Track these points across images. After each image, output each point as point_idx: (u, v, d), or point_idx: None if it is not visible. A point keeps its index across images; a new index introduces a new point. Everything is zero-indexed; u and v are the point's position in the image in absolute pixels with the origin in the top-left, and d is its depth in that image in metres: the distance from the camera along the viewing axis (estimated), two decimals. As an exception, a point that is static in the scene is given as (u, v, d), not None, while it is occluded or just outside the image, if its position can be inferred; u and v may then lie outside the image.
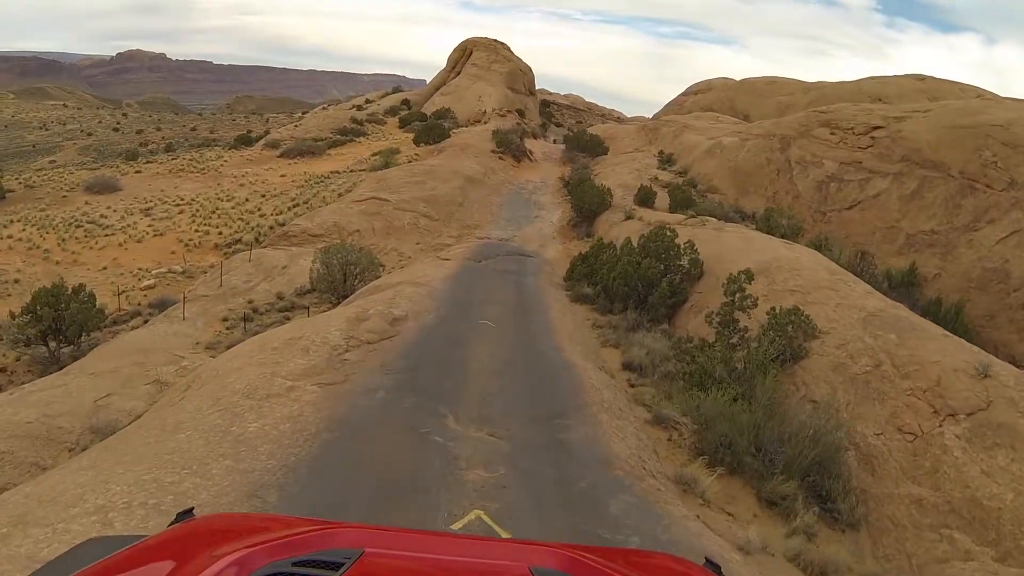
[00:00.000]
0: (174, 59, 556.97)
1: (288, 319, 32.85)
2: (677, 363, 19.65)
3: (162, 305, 38.71)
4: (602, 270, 28.40)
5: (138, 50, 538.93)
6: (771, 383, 17.17)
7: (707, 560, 3.07)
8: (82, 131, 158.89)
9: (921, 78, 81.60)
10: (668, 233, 28.24)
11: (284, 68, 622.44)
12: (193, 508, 3.15)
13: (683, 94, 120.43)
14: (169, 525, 2.83)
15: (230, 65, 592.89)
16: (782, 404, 16.90)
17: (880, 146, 45.36)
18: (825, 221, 45.54)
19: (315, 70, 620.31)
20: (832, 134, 50.45)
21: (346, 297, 29.27)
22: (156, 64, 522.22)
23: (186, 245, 52.70)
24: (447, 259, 31.81)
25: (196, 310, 35.49)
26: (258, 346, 13.80)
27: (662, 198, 52.13)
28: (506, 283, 27.50)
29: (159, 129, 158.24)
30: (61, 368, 28.36)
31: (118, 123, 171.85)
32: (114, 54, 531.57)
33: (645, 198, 50.69)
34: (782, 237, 35.00)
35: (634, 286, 27.05)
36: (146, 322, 36.32)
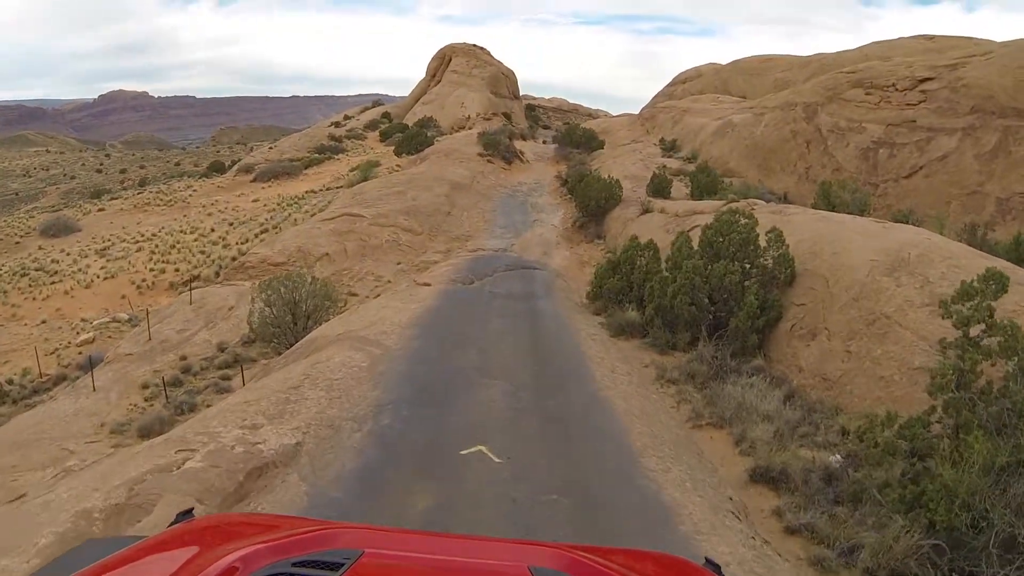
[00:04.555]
0: (156, 96, 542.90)
1: (227, 380, 23.73)
2: (872, 466, 9.89)
3: (93, 365, 29.53)
4: (650, 283, 18.68)
5: (120, 90, 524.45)
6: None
7: (707, 560, 2.93)
8: (65, 175, 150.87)
9: (930, 37, 72.65)
10: (744, 220, 18.50)
11: (267, 96, 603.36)
12: (193, 508, 3.10)
13: (670, 84, 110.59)
14: (169, 525, 2.78)
15: (213, 98, 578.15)
16: None
17: (937, 99, 36.22)
18: (879, 194, 36.26)
19: (297, 96, 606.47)
20: (868, 94, 41.30)
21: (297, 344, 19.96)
22: (139, 103, 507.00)
23: (138, 287, 43.82)
24: (425, 283, 22.33)
25: (112, 376, 26.62)
26: None
27: (676, 188, 43.13)
28: (510, 319, 18.10)
29: (143, 167, 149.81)
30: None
31: (101, 164, 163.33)
32: (96, 96, 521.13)
33: (660, 187, 41.57)
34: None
35: (703, 304, 17.42)
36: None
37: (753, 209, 25.76)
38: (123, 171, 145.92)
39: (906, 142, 36.71)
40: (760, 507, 9.83)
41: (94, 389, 25.33)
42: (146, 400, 24.23)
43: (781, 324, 17.42)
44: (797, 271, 18.24)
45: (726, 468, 10.87)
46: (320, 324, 22.34)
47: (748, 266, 18.05)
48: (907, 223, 24.56)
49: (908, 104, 38.02)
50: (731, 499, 9.13)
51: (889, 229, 19.64)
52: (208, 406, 19.34)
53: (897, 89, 39.52)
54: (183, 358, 27.04)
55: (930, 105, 36.57)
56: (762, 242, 18.47)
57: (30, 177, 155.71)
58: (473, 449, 9.26)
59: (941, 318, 10.92)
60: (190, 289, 35.21)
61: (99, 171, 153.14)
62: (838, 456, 11.37)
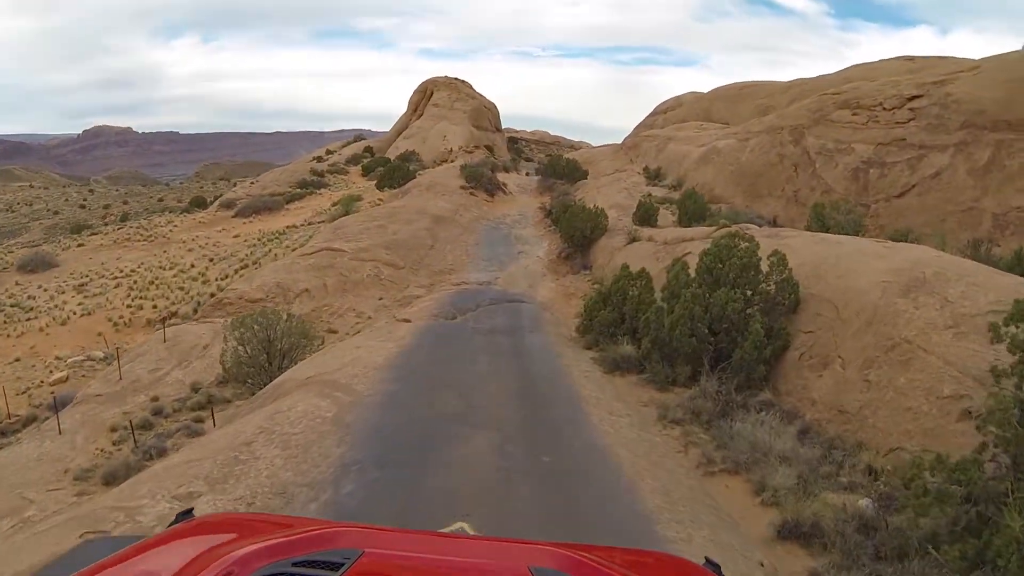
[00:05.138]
0: (140, 132, 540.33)
1: (200, 423, 22.29)
2: (919, 515, 8.50)
3: (59, 407, 28.00)
4: (645, 314, 17.33)
5: (104, 126, 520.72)
6: None
7: (707, 560, 2.94)
8: (48, 210, 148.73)
9: (911, 58, 71.99)
10: (744, 244, 17.20)
11: (250, 132, 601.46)
12: (193, 508, 3.07)
13: (651, 114, 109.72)
14: (169, 525, 2.75)
15: (197, 134, 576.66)
16: None
17: (927, 116, 35.25)
18: (871, 215, 35.14)
19: (281, 132, 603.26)
20: (855, 115, 40.34)
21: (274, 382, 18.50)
22: (123, 138, 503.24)
23: (115, 324, 42.38)
24: (405, 320, 20.89)
25: (80, 418, 25.31)
26: None
27: (663, 216, 42.19)
28: (496, 356, 16.64)
29: (126, 203, 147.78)
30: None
31: (85, 199, 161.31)
32: (81, 131, 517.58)
33: (646, 216, 40.33)
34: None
35: (703, 335, 16.06)
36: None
37: (747, 233, 24.67)
38: (107, 207, 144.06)
39: (897, 161, 35.73)
40: (793, 570, 8.40)
41: (60, 432, 23.96)
42: (114, 444, 22.83)
43: (788, 353, 16.03)
44: (801, 296, 16.92)
45: (748, 523, 9.47)
46: (294, 362, 21.06)
47: (750, 293, 16.74)
48: (905, 242, 23.55)
49: (897, 122, 37.07)
50: (762, 565, 7.78)
51: (893, 249, 18.46)
52: (178, 450, 18.01)
53: (885, 108, 38.60)
54: (155, 399, 25.63)
55: (920, 123, 35.63)
56: (763, 267, 17.20)
57: (13, 212, 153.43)
58: (454, 527, 7.59)
59: (982, 342, 9.69)
60: (164, 327, 33.73)
61: (83, 206, 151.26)
62: (869, 500, 10.04)
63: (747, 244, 17.19)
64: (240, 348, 22.45)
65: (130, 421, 22.91)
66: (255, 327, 22.25)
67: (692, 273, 17.87)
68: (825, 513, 9.28)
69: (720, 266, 16.94)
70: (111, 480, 18.36)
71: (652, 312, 17.06)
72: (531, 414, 12.37)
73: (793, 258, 17.99)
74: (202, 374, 27.16)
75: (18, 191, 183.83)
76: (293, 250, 48.79)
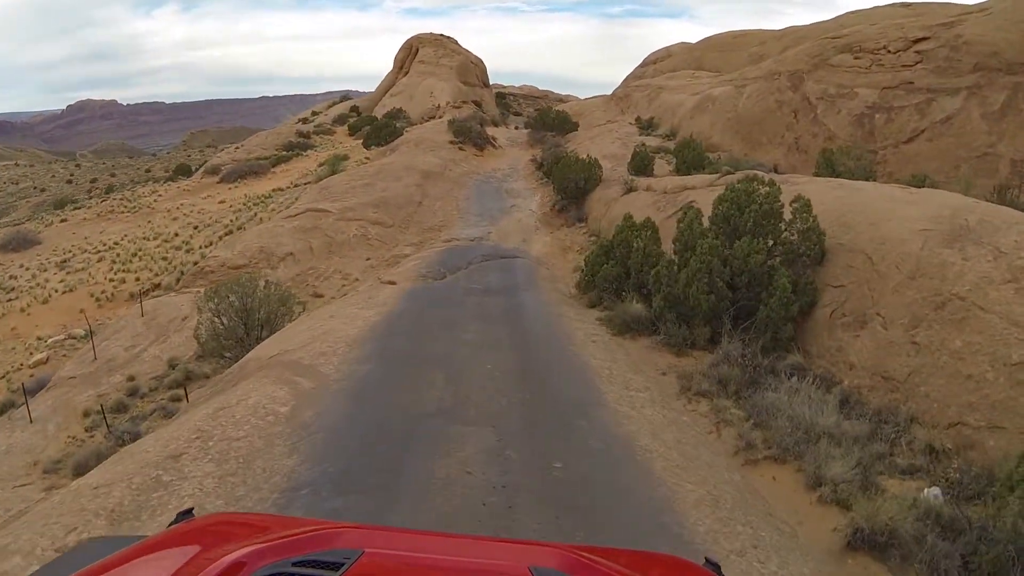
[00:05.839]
0: (125, 104, 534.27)
1: (177, 402, 20.70)
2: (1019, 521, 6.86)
3: (29, 393, 26.24)
4: (655, 268, 15.54)
5: (88, 100, 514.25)
6: None
7: (707, 560, 2.84)
8: (35, 188, 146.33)
9: (907, 4, 70.25)
10: (765, 189, 15.37)
11: (236, 99, 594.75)
12: (193, 508, 3.05)
13: (640, 66, 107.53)
14: (169, 525, 2.75)
15: (182, 103, 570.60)
16: None
17: (935, 59, 33.45)
18: (879, 161, 33.35)
19: (267, 96, 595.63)
20: (857, 59, 38.46)
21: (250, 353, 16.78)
22: (107, 111, 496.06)
23: (97, 300, 40.60)
24: (390, 282, 19.20)
25: (52, 403, 23.72)
26: None
27: (659, 165, 40.58)
28: (490, 322, 14.89)
29: (114, 175, 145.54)
30: None
31: (71, 175, 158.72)
32: (65, 107, 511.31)
33: (642, 165, 38.74)
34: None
35: (723, 292, 14.31)
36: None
37: (767, 177, 23.01)
38: (93, 180, 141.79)
39: (904, 105, 33.94)
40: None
41: (31, 421, 22.26)
42: (87, 431, 21.29)
43: (817, 311, 14.24)
44: (827, 246, 15.13)
45: (808, 529, 7.73)
46: (272, 331, 19.45)
47: (772, 243, 14.96)
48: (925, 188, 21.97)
49: (904, 65, 35.23)
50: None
51: (921, 195, 16.73)
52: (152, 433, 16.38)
53: (889, 51, 36.74)
54: (130, 378, 23.96)
55: (928, 65, 33.82)
56: (786, 214, 15.39)
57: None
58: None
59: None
60: (141, 300, 31.98)
61: (69, 182, 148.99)
62: (938, 489, 8.38)
63: (768, 189, 15.38)
64: (216, 320, 20.73)
65: (102, 405, 21.35)
66: (230, 297, 20.48)
67: (706, 222, 16.09)
68: (901, 516, 7.54)
69: (738, 214, 15.14)
70: (81, 471, 16.89)
71: (663, 266, 15.28)
72: (534, 399, 10.43)
73: (814, 205, 16.24)
74: (180, 349, 25.50)
75: (3, 170, 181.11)
76: (278, 213, 47.01)
